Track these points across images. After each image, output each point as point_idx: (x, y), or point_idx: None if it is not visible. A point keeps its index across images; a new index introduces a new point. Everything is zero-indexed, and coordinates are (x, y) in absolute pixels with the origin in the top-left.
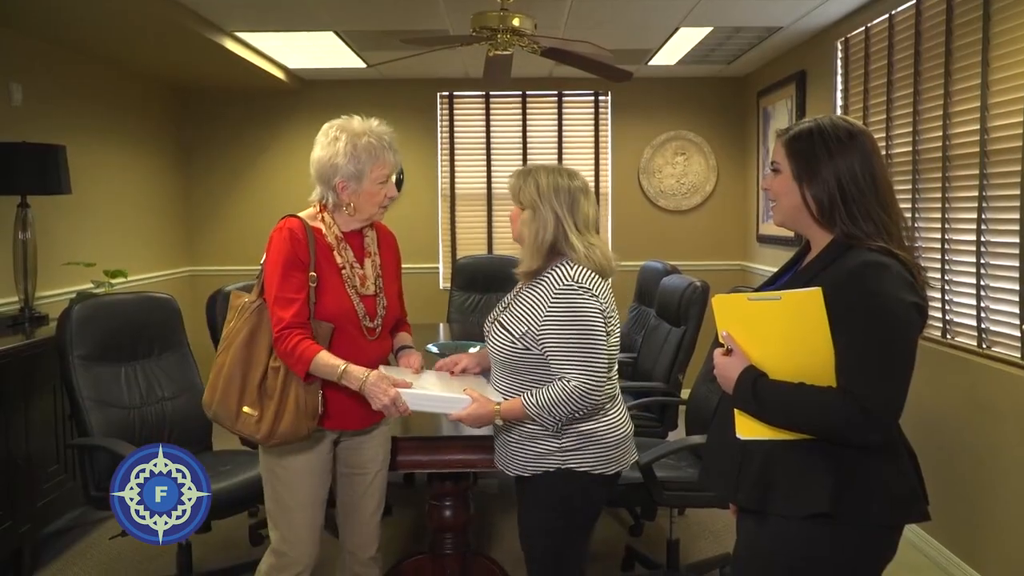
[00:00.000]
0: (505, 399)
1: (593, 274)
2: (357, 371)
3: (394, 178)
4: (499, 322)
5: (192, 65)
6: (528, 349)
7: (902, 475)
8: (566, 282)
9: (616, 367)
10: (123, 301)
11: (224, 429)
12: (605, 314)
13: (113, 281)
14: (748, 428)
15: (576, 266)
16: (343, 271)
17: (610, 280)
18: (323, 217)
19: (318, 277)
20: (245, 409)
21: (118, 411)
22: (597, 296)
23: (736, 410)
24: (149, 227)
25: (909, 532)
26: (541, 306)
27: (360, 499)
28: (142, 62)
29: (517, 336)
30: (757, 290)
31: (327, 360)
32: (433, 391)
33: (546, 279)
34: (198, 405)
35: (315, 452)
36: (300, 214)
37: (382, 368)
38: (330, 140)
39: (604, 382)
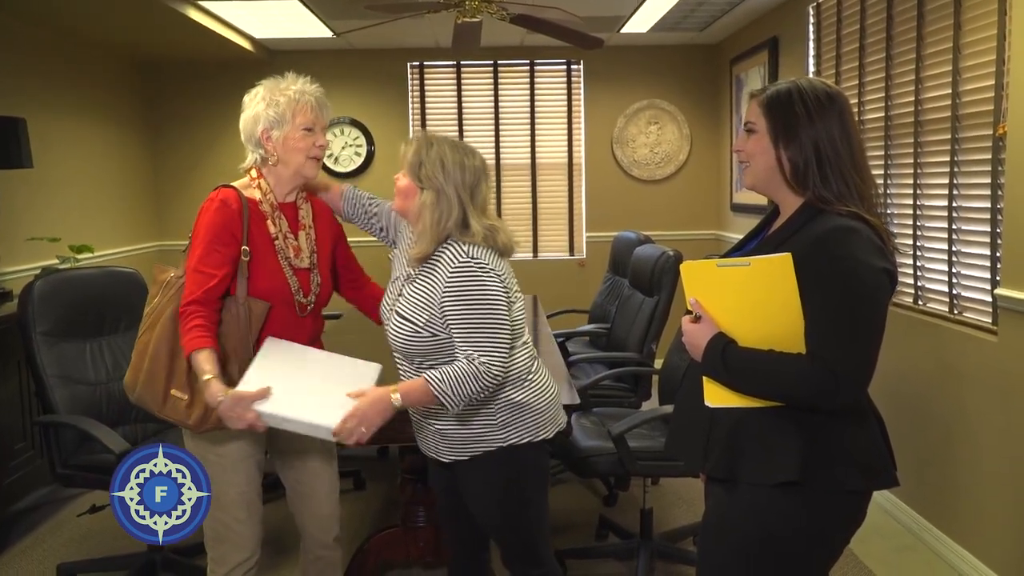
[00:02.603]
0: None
1: (488, 250)
2: (216, 389)
3: (325, 133)
4: (400, 315)
5: (156, 35)
6: (436, 335)
7: (871, 442)
8: (461, 259)
9: (527, 337)
10: (86, 276)
11: (149, 412)
12: (506, 288)
13: (79, 256)
14: (717, 396)
15: (469, 244)
16: (276, 241)
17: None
18: (260, 184)
19: (251, 251)
20: (174, 392)
21: (84, 387)
22: (496, 270)
23: (705, 378)
24: (116, 202)
25: (880, 498)
26: (438, 288)
27: (307, 482)
28: (105, 33)
29: (421, 325)
30: (725, 256)
31: (200, 362)
32: (299, 412)
33: (439, 260)
34: None
35: (247, 435)
36: (234, 183)
37: (251, 371)
38: (251, 97)
39: (507, 359)
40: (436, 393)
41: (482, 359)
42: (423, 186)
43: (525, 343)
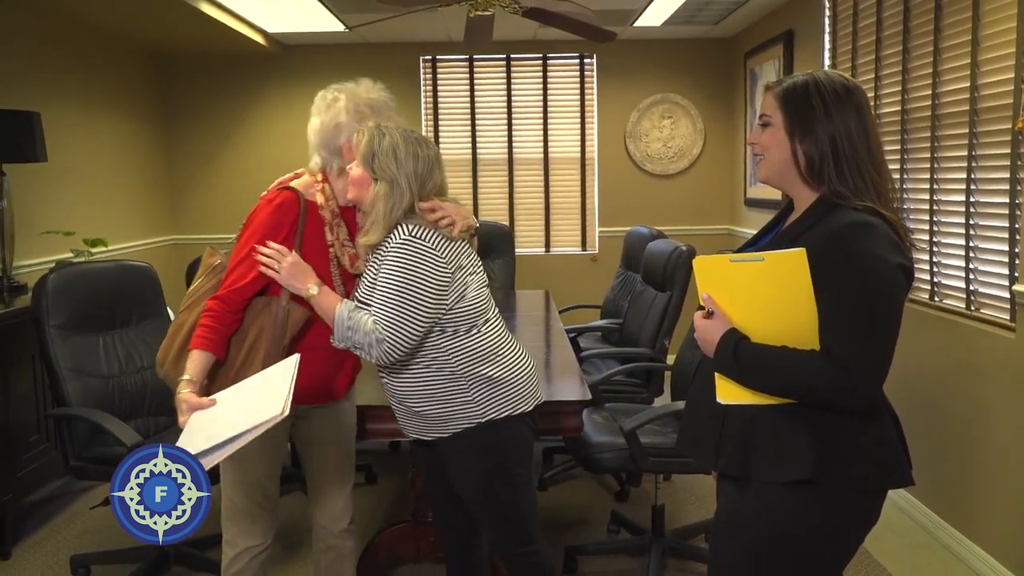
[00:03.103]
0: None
1: (435, 233)
2: (184, 393)
3: None
4: (357, 302)
5: (170, 29)
6: None
7: (885, 440)
8: (402, 237)
9: (492, 315)
10: (99, 270)
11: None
12: (442, 274)
13: (93, 250)
14: (729, 392)
15: (414, 224)
16: (331, 249)
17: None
18: (324, 188)
19: (303, 257)
20: None
21: (97, 380)
22: (436, 252)
23: (717, 374)
24: (130, 195)
25: (896, 496)
26: (379, 268)
27: (326, 475)
28: (119, 27)
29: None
30: (738, 251)
31: (188, 360)
32: (229, 430)
33: (387, 244)
34: None
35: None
36: (294, 184)
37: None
38: (329, 103)
39: (407, 344)
40: (336, 313)
41: (382, 334)
42: (376, 176)
43: (488, 321)
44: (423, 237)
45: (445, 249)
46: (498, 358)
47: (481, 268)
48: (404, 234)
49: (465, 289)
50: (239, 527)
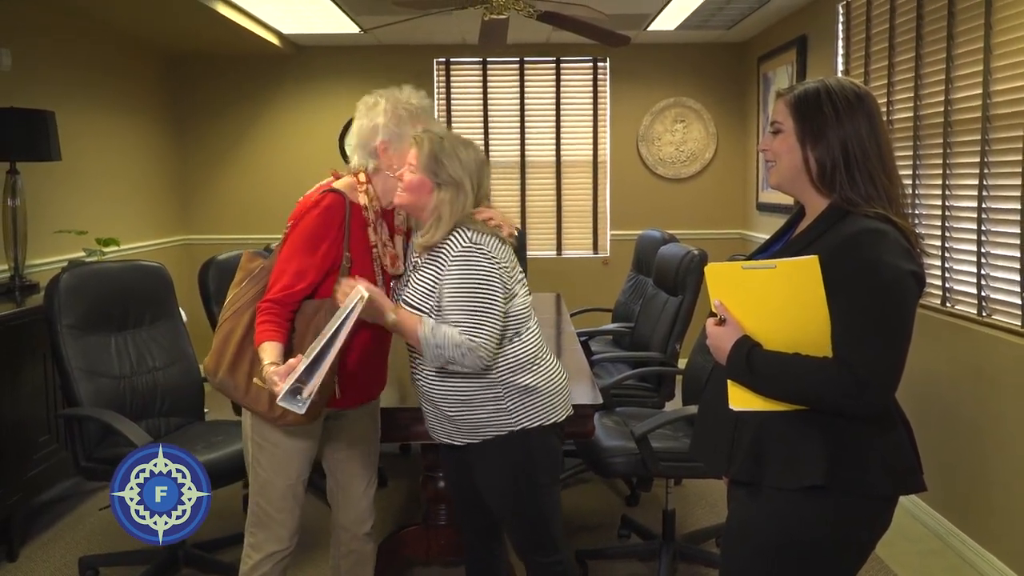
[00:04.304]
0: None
1: (492, 237)
2: (268, 368)
3: None
4: (407, 303)
5: (185, 30)
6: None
7: (897, 446)
8: (464, 244)
9: (533, 324)
10: (112, 270)
11: (230, 399)
12: (504, 277)
13: (105, 249)
14: (741, 399)
15: (473, 231)
16: (374, 248)
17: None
18: (368, 189)
19: (351, 258)
20: (256, 381)
21: (108, 381)
22: (497, 258)
23: (729, 381)
24: (142, 195)
25: (907, 501)
26: (440, 275)
27: (352, 476)
28: (134, 27)
29: (428, 313)
30: (750, 258)
31: (265, 350)
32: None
33: (444, 247)
34: (190, 374)
35: (304, 429)
36: (338, 185)
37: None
38: (370, 106)
39: (495, 347)
40: (421, 335)
41: (470, 340)
42: (441, 182)
43: (530, 328)
44: (483, 243)
45: (501, 252)
46: (535, 367)
47: (523, 273)
48: (465, 241)
49: (515, 295)
50: (267, 532)
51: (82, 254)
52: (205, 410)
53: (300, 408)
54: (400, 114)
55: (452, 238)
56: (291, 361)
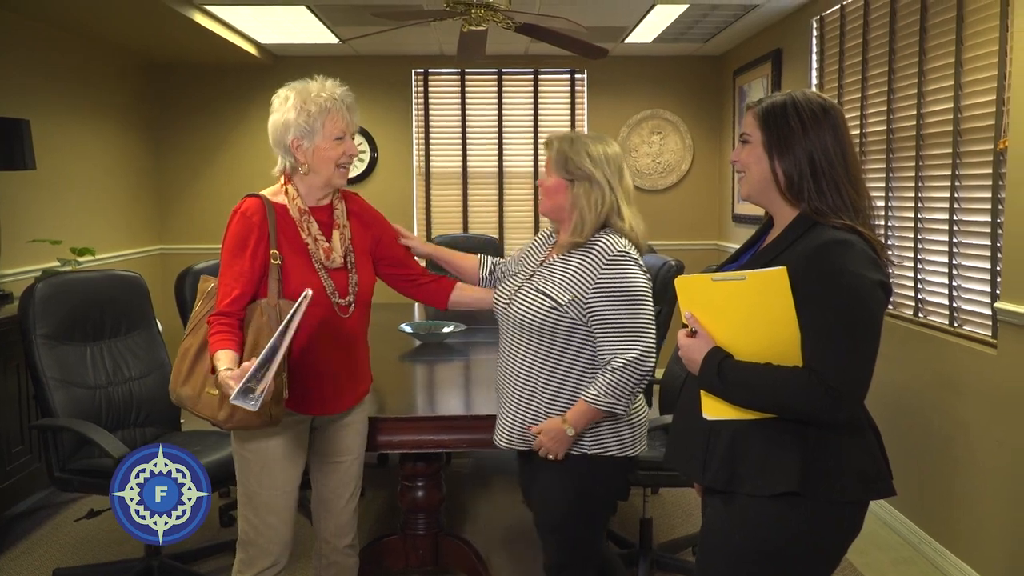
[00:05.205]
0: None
1: (634, 246)
2: (223, 373)
3: (354, 138)
4: (537, 289)
5: (162, 39)
6: (571, 317)
7: (867, 452)
8: (618, 250)
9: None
10: (88, 279)
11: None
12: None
13: (80, 259)
14: (714, 409)
15: (622, 237)
16: (308, 246)
17: None
18: (287, 189)
19: (282, 255)
20: (208, 390)
21: (83, 391)
22: (644, 266)
23: (702, 391)
24: (118, 205)
25: (880, 510)
26: (590, 275)
27: (336, 487)
28: (110, 35)
29: (562, 304)
30: (719, 269)
31: (219, 358)
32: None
33: (593, 248)
34: (167, 385)
35: (287, 437)
36: (263, 191)
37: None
38: (281, 101)
39: (655, 352)
40: (601, 409)
41: (633, 354)
42: (573, 178)
43: None
44: (630, 249)
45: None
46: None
47: None
48: (618, 247)
49: None
50: (256, 548)
51: (56, 264)
52: (181, 420)
53: (253, 405)
54: (310, 109)
55: (603, 241)
56: (245, 364)
